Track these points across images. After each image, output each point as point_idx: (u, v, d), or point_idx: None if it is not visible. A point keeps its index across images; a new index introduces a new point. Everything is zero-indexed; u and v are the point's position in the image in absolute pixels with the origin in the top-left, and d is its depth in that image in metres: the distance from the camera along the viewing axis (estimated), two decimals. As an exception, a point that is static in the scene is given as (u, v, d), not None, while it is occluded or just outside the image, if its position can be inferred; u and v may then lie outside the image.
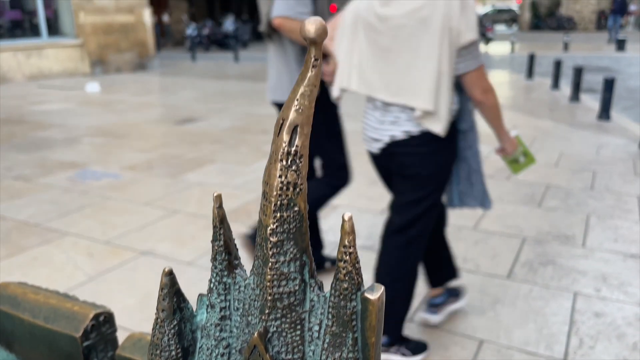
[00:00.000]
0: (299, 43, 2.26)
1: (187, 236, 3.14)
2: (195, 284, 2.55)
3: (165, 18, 22.86)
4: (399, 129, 1.79)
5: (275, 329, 0.36)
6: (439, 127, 1.73)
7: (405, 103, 1.75)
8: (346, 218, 0.34)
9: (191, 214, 3.48)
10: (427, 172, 1.84)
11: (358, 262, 0.35)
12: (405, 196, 1.90)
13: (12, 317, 0.66)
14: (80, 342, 0.61)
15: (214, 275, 0.40)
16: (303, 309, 0.37)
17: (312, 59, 0.34)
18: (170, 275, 0.39)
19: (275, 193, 0.35)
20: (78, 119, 6.81)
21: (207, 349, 0.40)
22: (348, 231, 0.34)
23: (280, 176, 0.35)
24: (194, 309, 0.42)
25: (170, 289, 0.39)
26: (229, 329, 0.40)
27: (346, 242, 0.34)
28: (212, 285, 0.40)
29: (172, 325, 0.39)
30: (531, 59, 9.94)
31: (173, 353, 0.40)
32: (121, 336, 0.65)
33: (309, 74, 0.34)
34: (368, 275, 2.69)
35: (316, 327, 0.37)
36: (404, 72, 1.74)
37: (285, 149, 0.34)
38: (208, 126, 6.30)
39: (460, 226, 3.20)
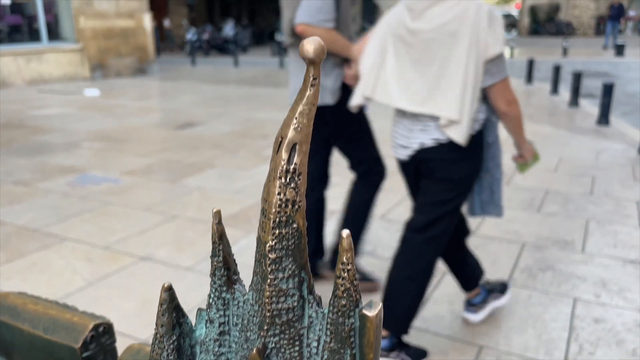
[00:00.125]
0: None
1: (187, 241, 3.14)
2: (194, 289, 2.55)
3: (167, 23, 22.92)
4: (428, 136, 1.86)
5: (273, 345, 0.37)
6: (460, 136, 1.80)
7: (431, 112, 1.81)
8: (344, 235, 0.35)
9: (190, 219, 3.48)
10: (456, 177, 1.92)
11: (356, 279, 0.35)
12: (430, 196, 1.97)
13: (12, 327, 0.66)
14: (79, 353, 0.61)
15: (213, 290, 0.40)
16: (302, 325, 0.37)
17: (311, 78, 0.34)
18: (169, 290, 0.39)
19: (274, 210, 0.35)
20: (78, 123, 6.81)
21: (206, 364, 0.40)
22: (346, 248, 0.35)
23: (279, 193, 0.35)
24: (193, 323, 0.43)
25: (170, 304, 0.39)
26: (227, 344, 0.40)
27: (344, 259, 0.35)
28: (211, 300, 0.40)
29: (171, 341, 0.39)
30: (530, 64, 9.96)
31: (172, 367, 0.40)
32: (120, 342, 0.65)
33: (308, 92, 0.35)
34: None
35: (315, 344, 0.37)
36: (433, 82, 1.82)
37: (284, 166, 0.35)
38: (208, 131, 6.31)
39: (460, 232, 3.20)
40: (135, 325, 2.25)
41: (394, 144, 2.00)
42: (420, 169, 1.96)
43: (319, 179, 2.57)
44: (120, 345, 0.65)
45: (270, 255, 0.36)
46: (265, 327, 0.36)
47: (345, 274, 0.35)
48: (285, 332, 0.36)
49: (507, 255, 2.95)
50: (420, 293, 1.99)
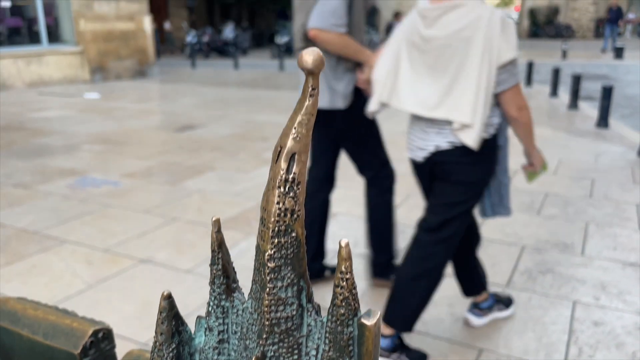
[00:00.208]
0: (332, 54, 2.31)
1: (187, 244, 3.14)
2: (194, 292, 2.55)
3: (167, 25, 22.95)
4: (444, 139, 1.89)
5: (272, 353, 0.37)
6: (473, 140, 1.82)
7: (445, 117, 1.84)
8: (343, 244, 0.35)
9: (190, 222, 3.48)
10: (470, 179, 1.94)
11: (355, 288, 0.36)
12: (443, 198, 1.99)
13: (12, 333, 0.66)
14: (79, 359, 0.61)
15: (212, 298, 0.40)
16: (300, 333, 0.37)
17: (310, 89, 0.35)
18: (169, 299, 0.39)
19: (273, 219, 0.35)
20: (78, 126, 6.82)
21: (205, 371, 0.41)
22: (345, 257, 0.35)
23: (278, 202, 0.35)
24: (192, 330, 0.43)
25: (169, 312, 0.39)
26: (227, 352, 0.40)
27: (343, 269, 0.35)
28: (210, 308, 0.40)
29: (170, 349, 0.39)
30: (530, 66, 9.98)
31: (171, 375, 0.40)
32: (119, 345, 0.65)
33: (307, 102, 0.35)
34: (367, 282, 2.69)
35: (313, 352, 0.37)
36: (446, 88, 1.85)
37: (283, 176, 0.35)
38: (208, 133, 6.31)
39: (459, 234, 3.20)
40: (135, 328, 2.25)
41: (411, 146, 2.03)
42: (435, 171, 1.99)
43: (325, 180, 2.57)
44: (120, 349, 0.65)
45: (269, 264, 0.36)
46: (264, 336, 0.36)
47: (344, 282, 0.35)
48: (284, 340, 0.37)
49: (507, 257, 2.95)
50: (428, 293, 2.01)
